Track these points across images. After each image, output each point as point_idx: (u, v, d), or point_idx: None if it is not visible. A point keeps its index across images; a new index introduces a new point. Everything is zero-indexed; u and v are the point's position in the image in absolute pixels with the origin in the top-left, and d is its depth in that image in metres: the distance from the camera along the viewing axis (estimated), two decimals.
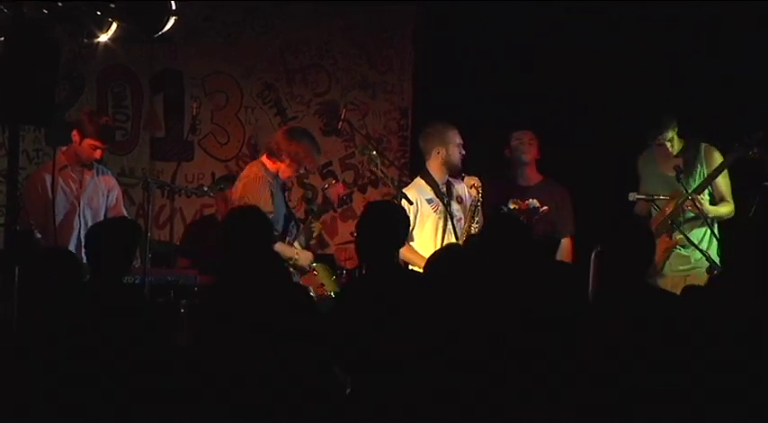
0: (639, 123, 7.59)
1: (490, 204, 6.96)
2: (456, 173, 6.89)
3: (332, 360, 4.92)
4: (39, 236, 6.44)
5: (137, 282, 6.15)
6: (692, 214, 6.84)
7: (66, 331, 4.66)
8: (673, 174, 6.83)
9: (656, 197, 6.90)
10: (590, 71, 7.96)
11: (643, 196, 6.92)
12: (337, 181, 7.90)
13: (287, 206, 6.87)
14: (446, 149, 6.85)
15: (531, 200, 6.91)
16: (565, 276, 5.20)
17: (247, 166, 6.94)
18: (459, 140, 6.84)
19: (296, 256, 6.67)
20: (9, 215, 5.08)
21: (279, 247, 6.43)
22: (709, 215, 6.80)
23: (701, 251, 6.65)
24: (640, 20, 7.88)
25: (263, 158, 6.79)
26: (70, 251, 5.98)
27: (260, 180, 6.63)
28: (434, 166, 6.88)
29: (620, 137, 7.64)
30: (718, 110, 7.44)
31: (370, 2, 8.64)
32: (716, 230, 6.86)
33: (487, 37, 8.17)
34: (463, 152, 6.85)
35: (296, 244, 6.79)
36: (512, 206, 6.87)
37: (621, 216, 6.77)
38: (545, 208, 6.91)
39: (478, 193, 6.78)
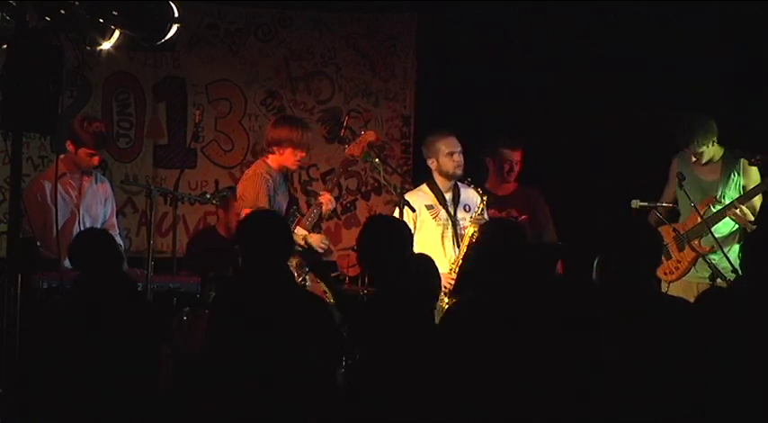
0: (641, 131, 7.61)
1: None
2: (455, 179, 6.89)
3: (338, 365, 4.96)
4: (38, 244, 6.44)
5: (139, 288, 6.16)
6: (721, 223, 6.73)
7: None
8: (709, 179, 6.82)
9: (657, 205, 6.86)
10: (593, 79, 7.98)
11: (645, 203, 6.86)
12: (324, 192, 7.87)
13: (289, 193, 6.95)
14: (437, 160, 6.88)
15: (508, 210, 7.01)
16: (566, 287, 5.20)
17: (252, 165, 7.03)
18: (448, 149, 6.81)
19: (307, 236, 6.75)
20: (12, 223, 5.08)
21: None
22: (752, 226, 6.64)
23: (728, 260, 6.52)
24: (643, 25, 7.90)
25: (266, 157, 6.87)
26: None
27: (258, 177, 6.72)
28: (435, 175, 6.92)
29: (621, 144, 7.65)
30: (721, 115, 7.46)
31: (373, 10, 8.66)
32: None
33: (490, 44, 8.19)
34: (458, 159, 6.83)
35: (297, 230, 6.81)
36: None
37: (624, 221, 6.74)
38: (523, 217, 7.03)
39: (482, 200, 6.83)
